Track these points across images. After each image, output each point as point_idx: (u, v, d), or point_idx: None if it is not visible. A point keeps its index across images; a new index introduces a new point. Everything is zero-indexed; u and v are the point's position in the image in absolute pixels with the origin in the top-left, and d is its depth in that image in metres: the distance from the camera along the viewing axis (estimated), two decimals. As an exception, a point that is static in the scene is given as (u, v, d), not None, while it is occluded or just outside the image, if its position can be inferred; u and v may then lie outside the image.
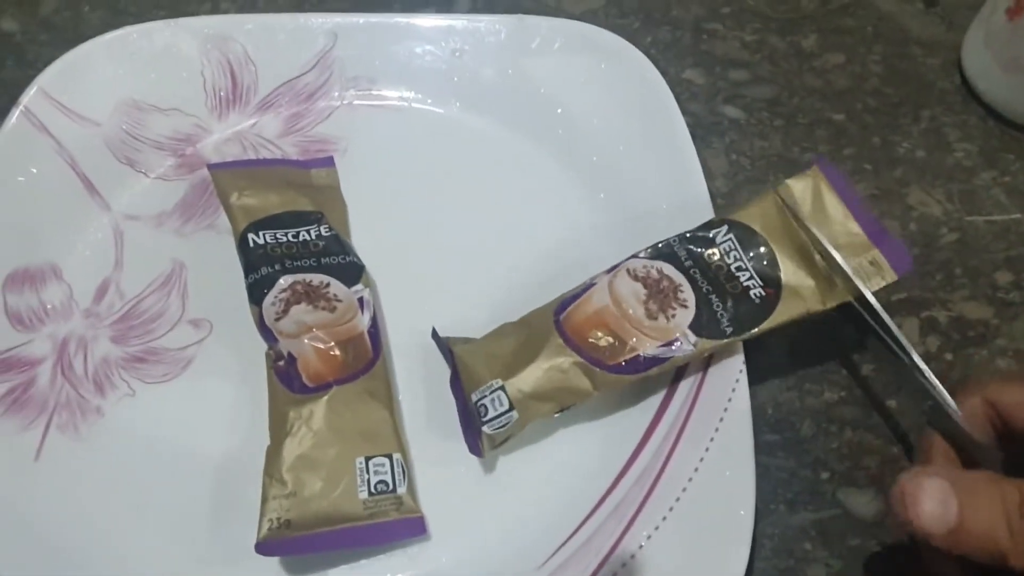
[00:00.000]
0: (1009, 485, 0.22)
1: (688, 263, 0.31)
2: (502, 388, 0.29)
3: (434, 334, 0.33)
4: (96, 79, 0.39)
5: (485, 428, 0.29)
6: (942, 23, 0.46)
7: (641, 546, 0.28)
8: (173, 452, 0.31)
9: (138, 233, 0.37)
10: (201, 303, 0.35)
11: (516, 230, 0.37)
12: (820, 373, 0.34)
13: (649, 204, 0.36)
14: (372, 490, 0.29)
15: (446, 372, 0.32)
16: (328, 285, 0.33)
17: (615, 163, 0.38)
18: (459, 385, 0.31)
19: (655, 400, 0.31)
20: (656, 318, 0.30)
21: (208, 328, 0.34)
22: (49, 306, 0.35)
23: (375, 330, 0.33)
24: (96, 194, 0.38)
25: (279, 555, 0.28)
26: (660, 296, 0.30)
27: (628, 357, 0.30)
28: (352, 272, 0.34)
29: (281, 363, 0.31)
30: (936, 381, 0.28)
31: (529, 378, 0.29)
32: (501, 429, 0.29)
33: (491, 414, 0.29)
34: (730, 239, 0.32)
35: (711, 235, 0.32)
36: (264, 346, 0.32)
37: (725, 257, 0.31)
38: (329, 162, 0.39)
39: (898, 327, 0.29)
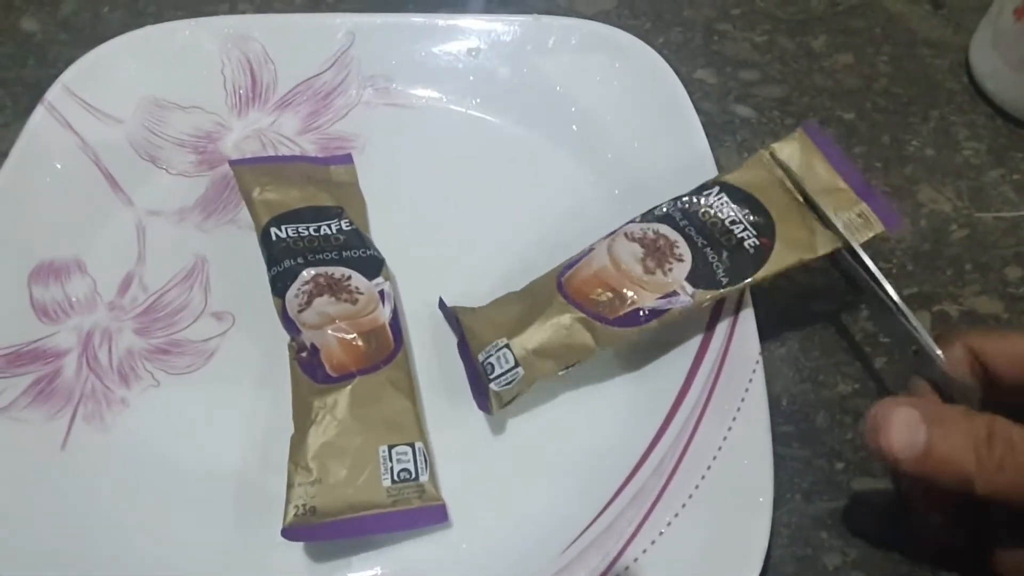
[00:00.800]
0: (979, 418, 0.23)
1: (683, 223, 0.33)
2: (507, 346, 0.30)
3: (441, 304, 0.34)
4: (119, 77, 0.40)
5: (492, 385, 0.30)
6: (949, 25, 0.47)
7: (661, 532, 0.28)
8: (198, 441, 0.32)
9: (160, 228, 0.38)
10: (223, 296, 0.36)
11: (532, 225, 0.38)
12: (834, 365, 0.35)
13: (664, 200, 0.37)
14: (395, 478, 0.29)
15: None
16: (350, 278, 0.33)
17: (630, 159, 0.39)
18: (466, 349, 0.32)
19: (673, 390, 0.31)
20: (654, 273, 0.31)
21: (231, 320, 0.35)
22: (74, 299, 0.35)
23: (396, 322, 0.33)
24: (119, 190, 0.38)
25: (304, 540, 0.29)
26: (657, 253, 0.32)
27: (628, 310, 0.31)
28: (373, 265, 0.34)
29: (304, 354, 0.32)
30: (920, 326, 0.29)
31: (533, 336, 0.30)
32: (508, 386, 0.30)
33: (497, 371, 0.30)
34: (723, 196, 0.33)
35: (704, 195, 0.33)
36: (286, 338, 0.33)
37: (719, 213, 0.33)
38: (348, 159, 0.40)
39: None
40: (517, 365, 0.30)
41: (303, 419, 0.30)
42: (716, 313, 0.33)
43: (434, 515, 0.29)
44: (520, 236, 0.37)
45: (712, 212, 0.33)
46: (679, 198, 0.34)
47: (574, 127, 0.40)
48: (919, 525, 0.29)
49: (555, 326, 0.31)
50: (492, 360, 0.30)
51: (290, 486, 0.29)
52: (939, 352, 0.28)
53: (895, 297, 0.30)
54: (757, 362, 0.31)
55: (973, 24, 0.45)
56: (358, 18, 0.42)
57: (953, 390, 0.27)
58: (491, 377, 0.30)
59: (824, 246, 0.32)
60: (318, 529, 0.28)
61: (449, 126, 0.41)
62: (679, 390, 0.31)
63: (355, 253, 0.34)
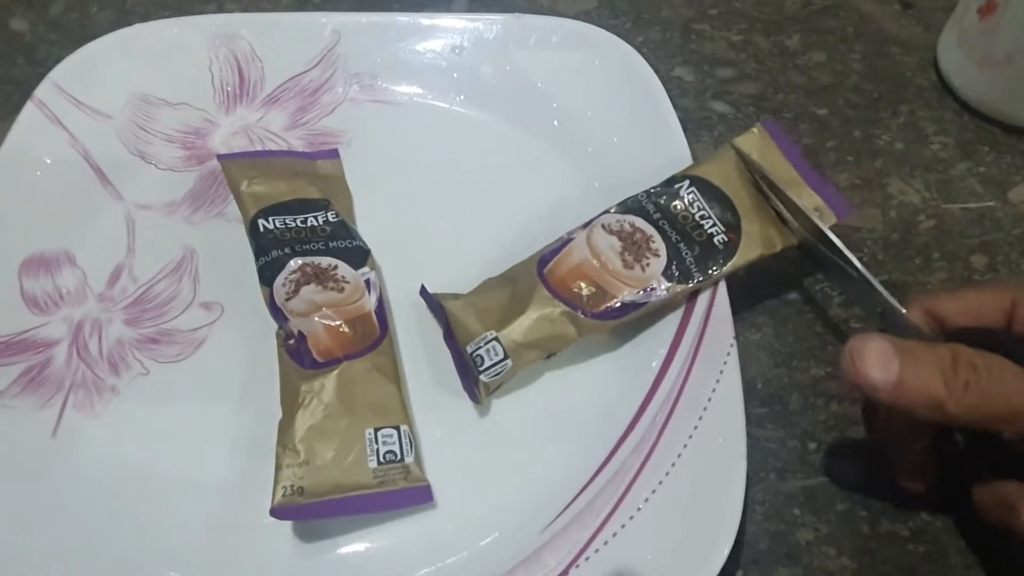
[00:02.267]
0: (943, 347, 0.25)
1: (657, 215, 0.34)
2: (496, 339, 0.31)
3: (423, 291, 0.35)
4: (108, 74, 0.41)
5: (482, 377, 0.31)
6: (918, 24, 0.48)
7: (639, 508, 0.29)
8: (187, 428, 0.32)
9: (149, 221, 0.38)
10: (212, 287, 0.36)
11: (514, 218, 0.38)
12: (807, 350, 0.36)
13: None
14: (381, 460, 0.30)
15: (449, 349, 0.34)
16: (336, 267, 0.34)
17: (609, 154, 0.40)
18: (453, 338, 0.33)
19: (650, 373, 0.32)
20: (632, 268, 0.33)
21: (219, 310, 0.36)
22: (64, 290, 0.36)
23: (381, 310, 0.34)
24: (108, 184, 0.39)
25: (292, 520, 0.29)
26: (634, 247, 0.33)
27: (609, 304, 0.32)
28: (358, 255, 0.35)
29: (291, 341, 0.32)
30: (883, 289, 0.30)
31: (520, 328, 0.32)
32: (496, 377, 0.31)
33: (487, 363, 0.31)
34: (693, 191, 0.35)
35: (675, 188, 0.35)
36: (274, 326, 0.33)
37: (689, 208, 0.34)
38: (334, 154, 0.41)
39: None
40: (506, 357, 0.31)
41: (291, 403, 0.31)
42: (692, 301, 0.34)
43: (419, 495, 0.30)
44: (502, 228, 0.38)
45: (683, 206, 0.34)
46: (651, 190, 0.35)
47: (555, 123, 0.41)
48: (895, 465, 0.30)
49: (541, 319, 0.32)
50: (482, 352, 0.32)
51: (278, 468, 0.29)
52: (903, 310, 0.29)
53: (859, 266, 0.31)
54: (732, 345, 0.32)
55: (940, 23, 0.46)
56: (344, 17, 0.43)
57: (920, 337, 0.29)
58: (481, 369, 0.31)
59: (783, 241, 0.34)
60: (306, 509, 0.29)
61: (433, 122, 0.42)
62: (656, 373, 0.32)
63: (341, 244, 0.35)
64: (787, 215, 0.34)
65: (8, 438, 0.32)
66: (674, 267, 0.33)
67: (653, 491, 0.29)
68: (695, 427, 0.31)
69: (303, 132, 0.42)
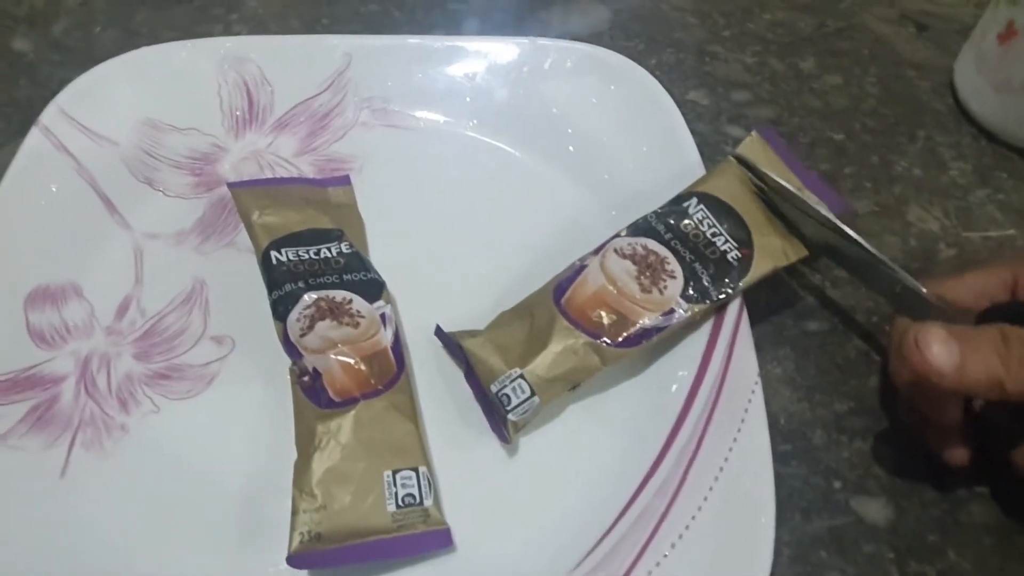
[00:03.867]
0: (988, 327, 0.27)
1: (668, 236, 0.34)
2: (522, 376, 0.31)
3: (438, 331, 0.34)
4: (114, 99, 0.40)
5: (511, 416, 0.31)
6: (934, 47, 0.48)
7: (666, 555, 0.28)
8: (199, 467, 0.32)
9: (158, 251, 0.38)
10: (223, 320, 0.36)
11: (530, 245, 0.38)
12: (830, 385, 0.35)
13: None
14: (400, 503, 0.29)
15: (467, 384, 0.33)
16: (351, 301, 0.33)
17: (626, 180, 0.39)
18: (474, 377, 0.32)
19: (674, 411, 0.32)
20: (650, 292, 0.33)
21: (231, 345, 0.35)
22: (71, 324, 0.35)
23: (398, 345, 0.33)
24: (115, 212, 0.38)
25: (310, 567, 0.29)
26: (650, 271, 0.33)
27: (631, 331, 0.32)
28: (373, 289, 0.34)
29: (306, 379, 0.32)
30: (902, 271, 0.31)
31: (544, 362, 0.31)
32: (524, 415, 0.31)
33: (515, 402, 0.31)
34: (701, 208, 0.34)
35: (683, 207, 0.35)
36: (287, 362, 0.33)
37: (700, 226, 0.34)
38: (345, 180, 0.40)
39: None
40: (533, 394, 0.31)
41: (307, 444, 0.30)
42: (715, 334, 0.33)
43: (439, 539, 0.29)
44: (518, 256, 0.37)
45: (694, 224, 0.34)
46: (659, 210, 0.35)
47: (570, 148, 0.41)
48: (935, 444, 0.31)
49: (565, 351, 0.31)
50: (508, 391, 0.31)
51: (295, 512, 0.29)
52: (923, 289, 0.30)
53: (872, 250, 0.32)
54: (756, 383, 0.32)
55: (956, 47, 0.46)
56: (355, 40, 0.42)
57: (944, 315, 0.30)
58: (509, 408, 0.31)
59: (795, 253, 0.34)
60: (323, 556, 0.28)
61: (446, 147, 0.41)
62: (680, 411, 0.32)
63: (356, 276, 0.34)
64: (796, 217, 0.34)
65: (15, 480, 0.31)
66: (691, 288, 0.33)
67: (680, 536, 0.29)
68: (721, 468, 0.30)
69: (313, 158, 0.41)
